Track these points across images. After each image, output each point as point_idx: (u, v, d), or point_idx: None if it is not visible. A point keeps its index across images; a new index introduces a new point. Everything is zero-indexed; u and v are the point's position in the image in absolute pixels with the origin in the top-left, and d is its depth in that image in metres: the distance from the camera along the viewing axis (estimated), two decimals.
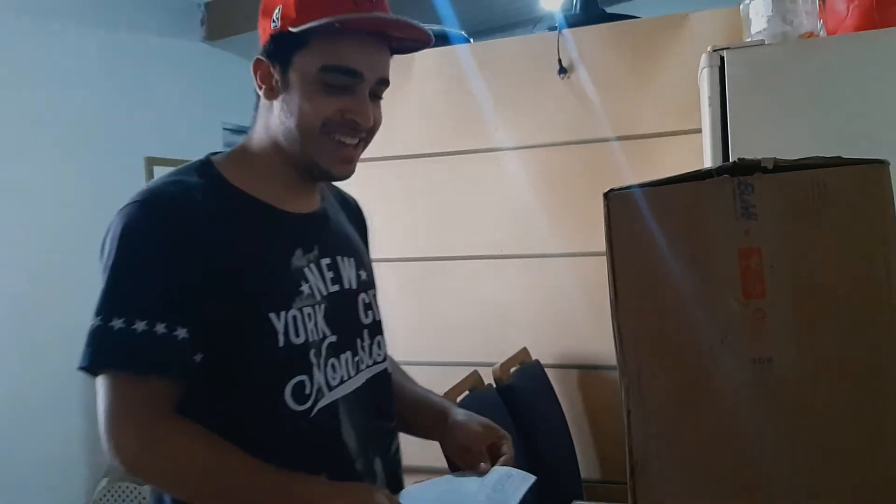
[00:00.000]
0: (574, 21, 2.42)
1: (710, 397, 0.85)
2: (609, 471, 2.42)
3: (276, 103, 1.09)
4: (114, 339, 0.96)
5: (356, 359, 1.14)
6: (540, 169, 2.43)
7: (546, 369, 2.38)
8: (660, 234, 0.89)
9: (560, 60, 2.38)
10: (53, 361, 3.24)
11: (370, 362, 1.18)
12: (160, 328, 0.96)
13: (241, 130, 4.52)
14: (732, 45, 1.57)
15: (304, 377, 1.05)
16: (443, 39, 2.55)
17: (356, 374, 1.14)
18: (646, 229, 0.89)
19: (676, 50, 2.28)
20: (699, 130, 2.01)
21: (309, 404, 1.05)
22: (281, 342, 1.03)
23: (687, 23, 2.28)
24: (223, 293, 1.00)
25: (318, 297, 1.10)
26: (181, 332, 0.97)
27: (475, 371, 1.99)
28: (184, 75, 4.02)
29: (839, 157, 0.85)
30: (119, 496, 3.23)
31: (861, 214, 0.83)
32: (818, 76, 1.50)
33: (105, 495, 3.24)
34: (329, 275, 1.13)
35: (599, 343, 2.37)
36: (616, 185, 2.48)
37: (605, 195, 0.91)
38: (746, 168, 0.86)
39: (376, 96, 1.11)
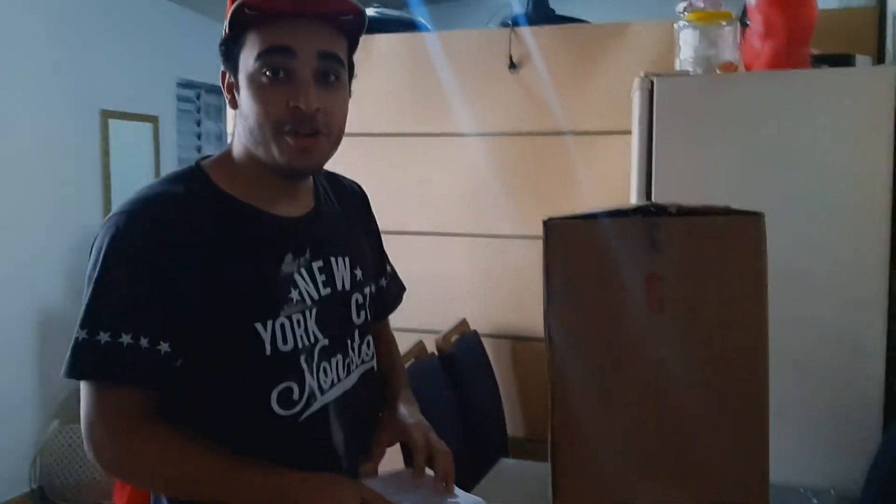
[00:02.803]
0: (525, 19, 2.61)
1: (619, 390, 1.09)
2: (533, 430, 2.70)
3: (239, 110, 1.09)
4: (99, 352, 0.98)
5: (346, 360, 1.16)
6: (485, 156, 2.64)
7: (482, 338, 2.63)
8: (585, 259, 1.12)
9: (511, 56, 2.57)
10: (3, 304, 3.36)
11: (359, 362, 1.20)
12: (144, 342, 0.99)
13: (193, 86, 4.57)
14: (662, 73, 1.80)
15: (291, 383, 1.07)
16: (406, 26, 2.72)
17: (346, 376, 1.16)
18: (576, 253, 1.12)
19: (617, 56, 2.50)
20: (630, 132, 2.25)
21: (297, 409, 1.08)
22: (268, 351, 1.05)
23: (628, 31, 2.51)
24: (209, 303, 1.02)
25: (309, 303, 1.11)
26: (164, 346, 1.00)
27: (420, 341, 2.22)
28: (140, 29, 4.06)
29: (727, 207, 1.09)
30: (70, 438, 3.36)
31: (741, 252, 1.07)
32: (731, 107, 1.75)
33: (56, 437, 3.38)
34: (321, 278, 1.14)
35: (530, 316, 2.62)
36: (555, 176, 2.75)
37: (545, 223, 1.13)
38: (657, 210, 1.10)
39: (327, 78, 1.06)
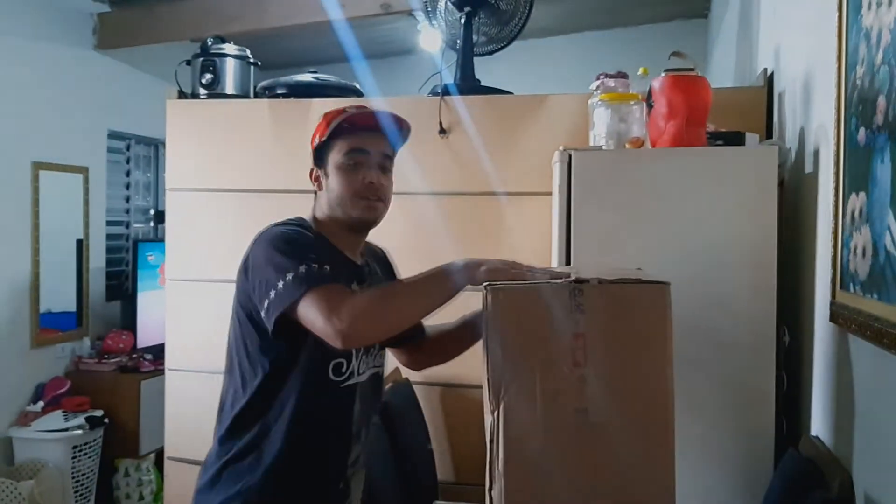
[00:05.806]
0: (454, 89, 2.82)
1: (548, 436, 1.27)
2: (462, 474, 2.85)
3: (326, 191, 1.66)
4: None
5: (369, 359, 1.68)
6: (418, 214, 2.83)
7: (414, 386, 2.78)
8: (521, 318, 1.30)
9: (441, 122, 2.78)
10: None
11: (375, 364, 1.71)
12: (326, 268, 1.51)
13: (123, 137, 4.60)
14: (579, 148, 2.02)
15: (342, 359, 1.59)
16: (343, 91, 2.90)
17: (367, 370, 1.66)
18: (514, 313, 1.30)
19: (537, 124, 2.74)
20: (551, 193, 2.47)
21: (342, 378, 1.59)
22: None
23: (547, 102, 2.75)
24: None
25: None
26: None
27: None
28: (73, 82, 4.12)
29: (640, 276, 1.29)
30: None
31: (649, 317, 1.28)
32: (639, 178, 1.99)
33: None
34: None
35: (459, 366, 2.78)
36: (483, 233, 2.99)
37: (487, 287, 1.31)
38: (580, 280, 1.29)
39: (385, 169, 1.67)
